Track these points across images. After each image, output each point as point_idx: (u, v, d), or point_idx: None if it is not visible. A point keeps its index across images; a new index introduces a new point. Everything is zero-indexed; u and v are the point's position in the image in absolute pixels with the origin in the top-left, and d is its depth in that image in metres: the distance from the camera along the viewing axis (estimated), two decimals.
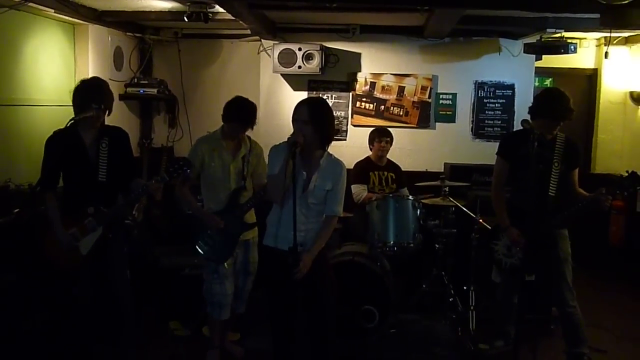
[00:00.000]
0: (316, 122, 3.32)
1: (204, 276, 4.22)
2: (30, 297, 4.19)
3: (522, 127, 3.85)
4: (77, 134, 3.65)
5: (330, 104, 6.55)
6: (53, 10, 5.03)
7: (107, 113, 3.70)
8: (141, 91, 6.58)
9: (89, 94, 3.59)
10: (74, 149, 3.64)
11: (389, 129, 5.96)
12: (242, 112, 4.10)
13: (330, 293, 3.49)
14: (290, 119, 3.39)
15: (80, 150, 3.65)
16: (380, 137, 5.72)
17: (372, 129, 5.97)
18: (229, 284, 4.14)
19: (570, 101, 4.04)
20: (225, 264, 4.11)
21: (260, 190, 4.14)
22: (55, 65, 5.57)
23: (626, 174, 3.87)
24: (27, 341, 4.03)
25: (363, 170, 5.68)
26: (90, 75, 5.82)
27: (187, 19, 5.44)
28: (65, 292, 4.04)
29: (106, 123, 3.81)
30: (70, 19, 5.49)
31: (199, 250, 4.14)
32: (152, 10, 5.76)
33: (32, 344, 4.03)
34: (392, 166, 5.84)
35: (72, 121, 3.45)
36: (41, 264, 3.87)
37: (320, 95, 6.55)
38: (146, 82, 6.66)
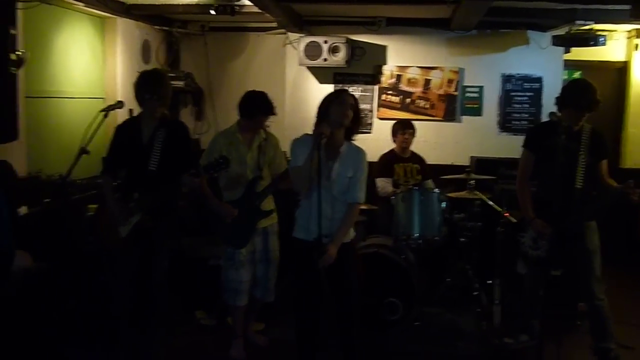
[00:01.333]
0: (356, 110, 3.45)
1: (222, 263, 4.31)
2: (60, 285, 4.28)
3: (549, 119, 3.81)
4: (137, 123, 3.90)
5: (356, 97, 6.61)
6: (83, 4, 5.12)
7: (162, 103, 3.84)
8: None
9: (143, 85, 3.79)
10: (131, 137, 3.86)
11: (415, 122, 5.93)
12: (262, 104, 4.22)
13: (357, 283, 3.51)
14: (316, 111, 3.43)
15: (135, 138, 3.85)
16: (403, 130, 5.71)
17: None
18: (245, 272, 4.22)
19: (597, 92, 3.96)
20: (243, 250, 4.18)
21: (277, 179, 4.24)
22: (85, 59, 5.66)
23: None
24: (57, 328, 4.11)
25: (388, 162, 5.68)
26: (119, 67, 5.93)
27: (214, 12, 5.49)
28: (94, 279, 4.14)
29: None
30: (100, 12, 5.57)
31: (220, 237, 4.24)
32: (180, 3, 5.81)
33: (61, 331, 4.11)
34: (416, 158, 5.83)
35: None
36: (72, 251, 3.99)
37: (346, 88, 6.54)
38: (173, 75, 6.71)
